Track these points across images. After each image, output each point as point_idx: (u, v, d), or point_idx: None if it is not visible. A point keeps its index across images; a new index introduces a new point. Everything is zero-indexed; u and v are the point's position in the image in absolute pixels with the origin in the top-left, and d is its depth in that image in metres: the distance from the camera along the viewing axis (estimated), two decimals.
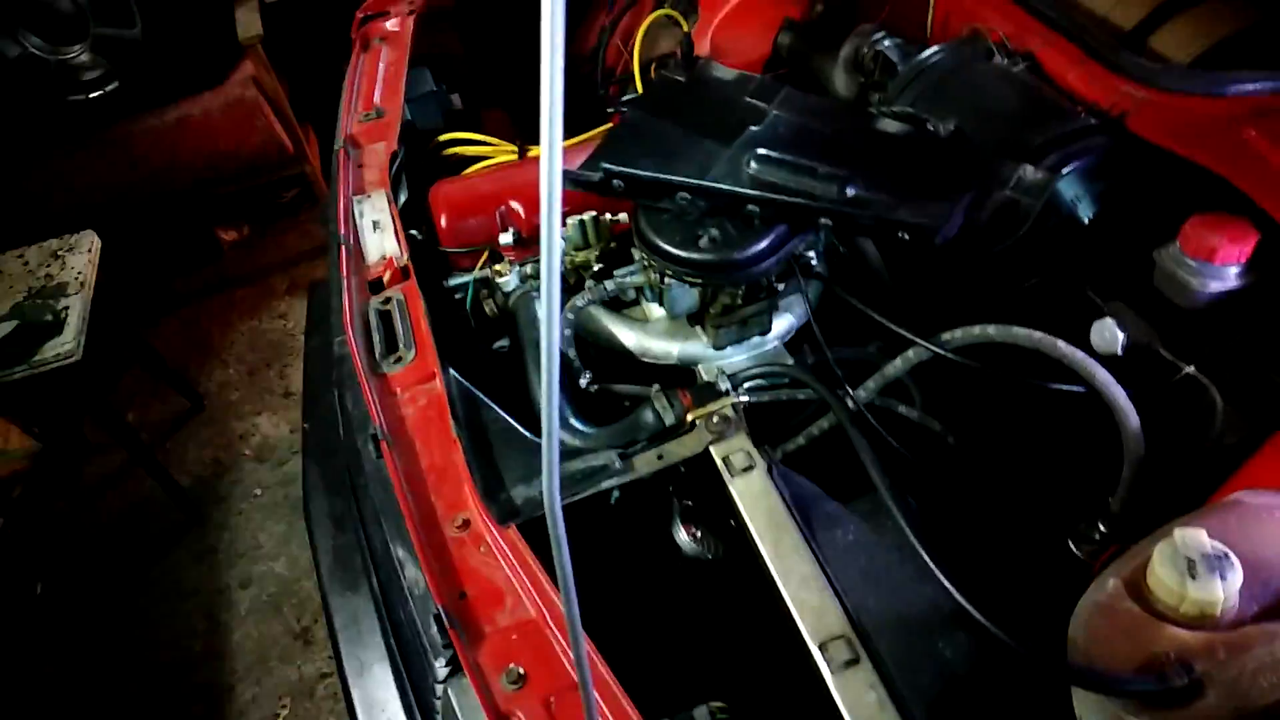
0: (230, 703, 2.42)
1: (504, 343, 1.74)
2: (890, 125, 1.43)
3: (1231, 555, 0.92)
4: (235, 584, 2.70)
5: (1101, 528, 1.29)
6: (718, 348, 1.53)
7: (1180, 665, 0.87)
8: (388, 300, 1.54)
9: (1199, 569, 0.91)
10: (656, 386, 1.38)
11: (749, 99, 1.48)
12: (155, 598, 2.70)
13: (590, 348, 1.61)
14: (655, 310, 1.61)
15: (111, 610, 2.69)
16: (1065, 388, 1.24)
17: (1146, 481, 1.24)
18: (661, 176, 1.36)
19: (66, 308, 2.44)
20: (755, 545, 1.16)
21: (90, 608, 2.71)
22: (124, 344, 2.97)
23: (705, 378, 1.47)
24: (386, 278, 1.59)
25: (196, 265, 3.86)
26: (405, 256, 1.60)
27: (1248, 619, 0.92)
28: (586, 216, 1.59)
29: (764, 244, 1.35)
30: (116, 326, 2.79)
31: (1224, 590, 0.90)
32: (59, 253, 2.64)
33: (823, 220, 1.31)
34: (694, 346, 1.55)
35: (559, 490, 0.67)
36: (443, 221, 1.72)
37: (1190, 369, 1.24)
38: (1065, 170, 1.35)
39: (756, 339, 1.54)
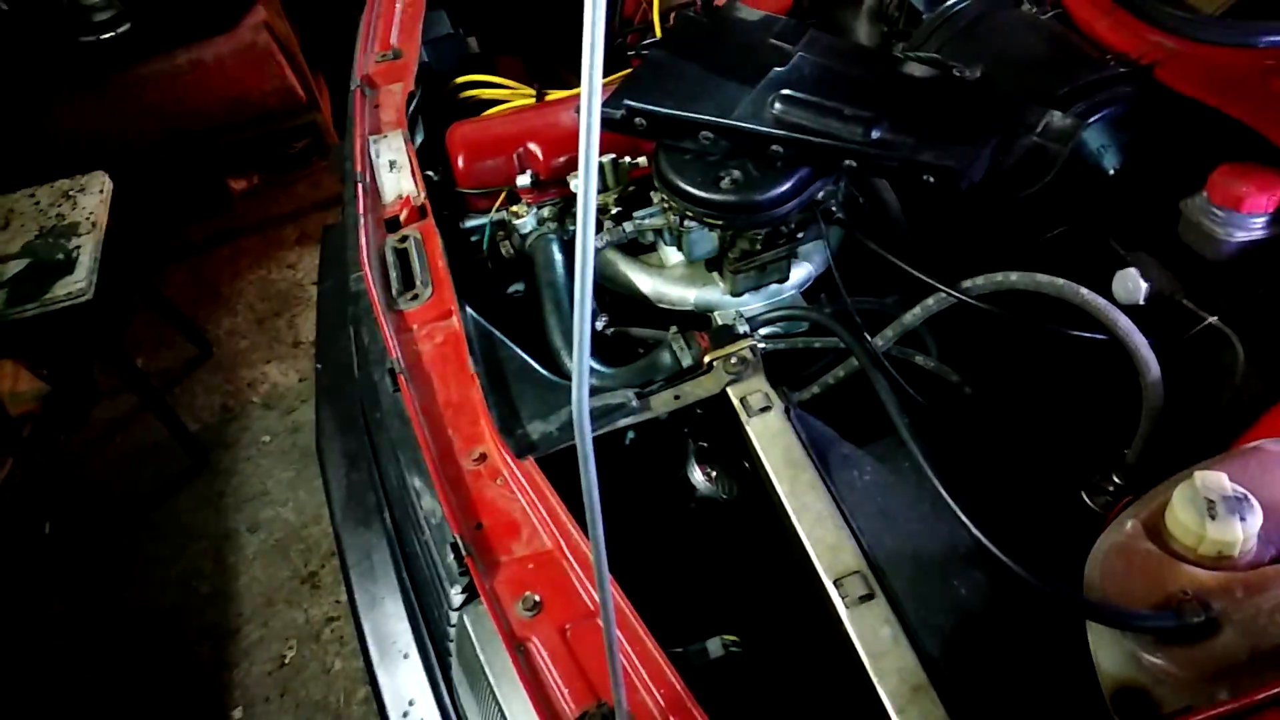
0: (236, 644, 2.44)
1: (519, 287, 1.73)
2: (916, 69, 1.41)
3: (1251, 498, 0.92)
4: (243, 528, 2.71)
5: (1116, 479, 1.29)
6: (735, 294, 1.52)
7: (1197, 603, 0.88)
8: (404, 238, 1.53)
9: (1219, 510, 0.91)
10: (674, 328, 1.38)
11: (774, 40, 1.46)
12: (162, 540, 2.72)
13: (606, 293, 1.61)
14: (672, 256, 1.61)
15: (119, 551, 2.71)
16: (1086, 335, 1.24)
17: (1163, 433, 1.24)
18: (684, 114, 1.35)
19: (78, 247, 2.43)
20: (771, 483, 1.16)
21: (98, 548, 2.73)
22: (134, 287, 2.96)
23: (722, 322, 1.46)
24: (403, 216, 1.58)
25: (206, 213, 3.84)
26: (422, 195, 1.59)
27: (1265, 561, 0.93)
28: (605, 159, 1.58)
29: (786, 186, 1.34)
30: (127, 270, 2.78)
31: (1243, 531, 0.90)
32: (70, 193, 2.63)
33: (847, 162, 1.30)
34: (711, 293, 1.55)
35: (588, 408, 0.66)
36: (460, 162, 1.70)
37: (1213, 319, 1.23)
38: (1092, 118, 1.34)
39: (774, 286, 1.54)
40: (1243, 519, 0.90)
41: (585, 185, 0.58)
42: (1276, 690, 0.78)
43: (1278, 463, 1.01)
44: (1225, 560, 0.91)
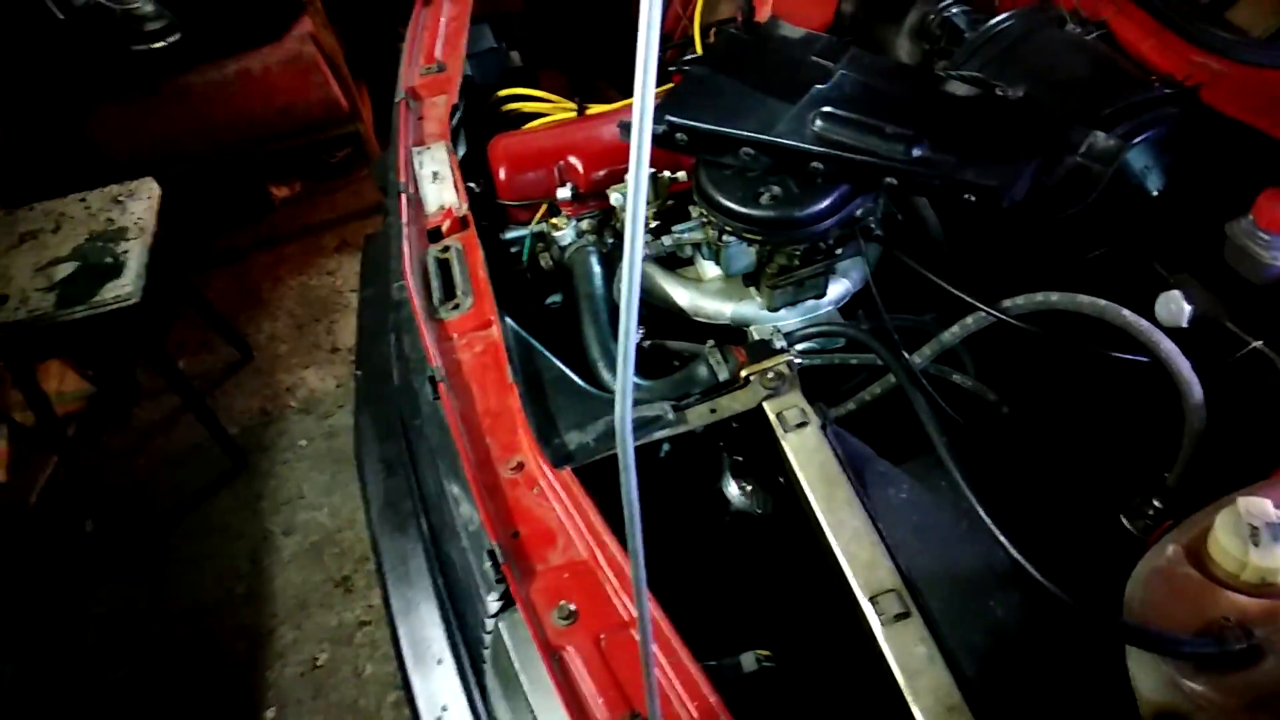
0: (271, 645, 2.47)
1: (557, 298, 1.75)
2: (959, 88, 1.41)
3: None
4: (279, 530, 2.75)
5: (1156, 503, 1.28)
6: (772, 309, 1.53)
7: (1240, 630, 0.87)
8: (446, 249, 1.56)
9: (1262, 536, 0.91)
10: (711, 342, 1.38)
11: (815, 58, 1.47)
12: (201, 540, 2.76)
13: (643, 306, 1.62)
14: (710, 270, 1.61)
15: (158, 550, 2.76)
16: (1128, 357, 1.23)
17: (1205, 458, 1.23)
18: (725, 130, 1.36)
19: (126, 251, 2.48)
20: (807, 499, 1.16)
21: (138, 547, 2.78)
22: (178, 291, 3.02)
23: (759, 336, 1.47)
24: (445, 227, 1.61)
25: (249, 220, 3.91)
26: (464, 207, 1.62)
27: None
28: None
29: (826, 203, 1.35)
30: (172, 274, 2.84)
31: None
32: (120, 198, 2.69)
33: (887, 180, 1.30)
34: (747, 307, 1.56)
35: (630, 413, 0.67)
36: (501, 174, 1.73)
37: (1258, 344, 1.22)
38: (1137, 139, 1.33)
39: (811, 302, 1.54)
40: None
41: (635, 196, 0.59)
42: None
43: None
44: (1268, 587, 0.90)
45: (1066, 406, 1.44)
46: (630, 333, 0.64)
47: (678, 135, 1.40)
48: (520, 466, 1.24)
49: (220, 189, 3.88)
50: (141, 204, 2.67)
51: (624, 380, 0.65)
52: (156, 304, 2.52)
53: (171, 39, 3.28)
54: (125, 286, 2.39)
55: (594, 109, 1.91)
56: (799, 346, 1.46)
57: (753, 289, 1.55)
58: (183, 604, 2.60)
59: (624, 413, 0.67)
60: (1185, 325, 1.26)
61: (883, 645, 1.01)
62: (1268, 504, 0.93)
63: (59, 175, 3.01)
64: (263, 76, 3.41)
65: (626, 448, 0.69)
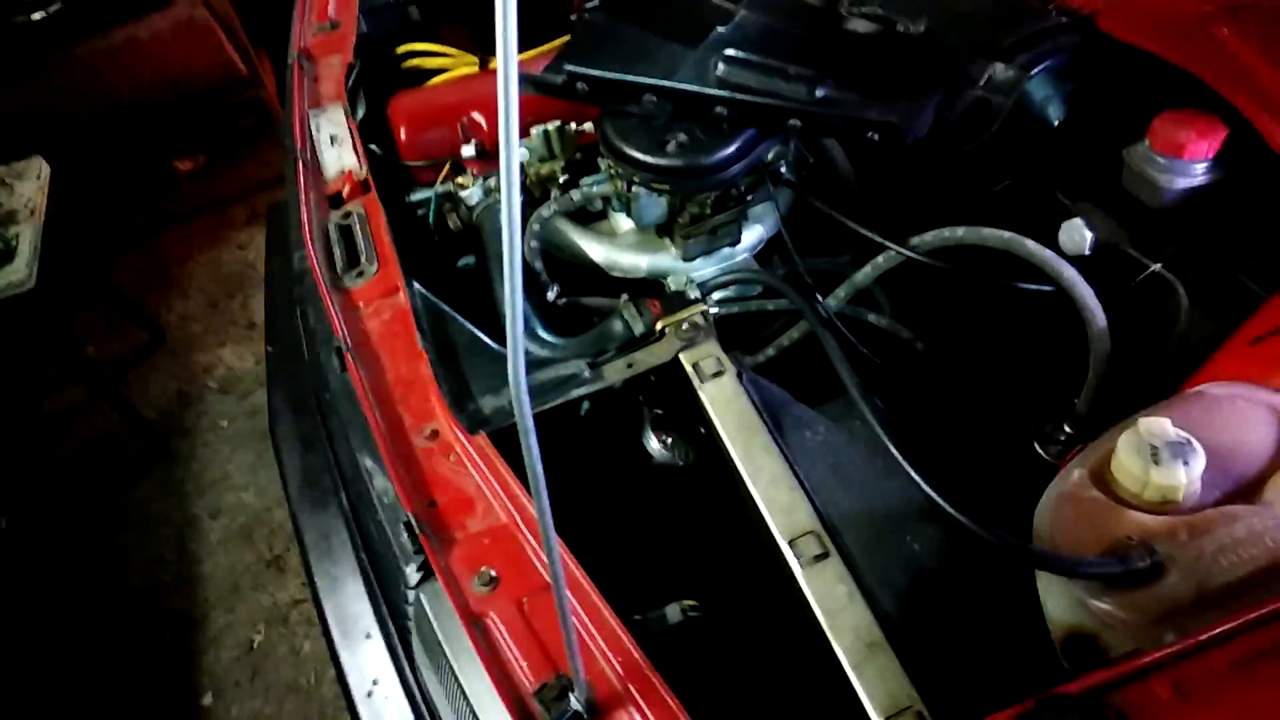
0: (204, 630, 2.42)
1: (469, 260, 1.70)
2: (861, 25, 1.40)
3: (1194, 442, 0.94)
4: (205, 514, 2.68)
5: (1067, 429, 1.31)
6: (687, 259, 1.51)
7: (1143, 547, 0.89)
8: (348, 214, 1.50)
9: (1162, 455, 0.93)
10: (625, 296, 1.36)
11: (716, 0, 1.44)
12: (123, 529, 2.68)
13: (557, 262, 1.59)
14: (623, 223, 1.59)
15: (79, 542, 2.66)
16: (1033, 287, 1.24)
17: (1111, 382, 1.26)
18: (627, 78, 1.33)
19: (16, 235, 2.36)
20: (725, 448, 1.16)
21: (57, 540, 2.68)
22: (79, 275, 2.89)
23: (674, 288, 1.45)
24: (346, 192, 1.55)
25: (153, 197, 3.75)
26: (365, 170, 1.56)
27: (1208, 504, 0.94)
28: (551, 126, 1.56)
29: (733, 148, 1.33)
30: (71, 257, 2.71)
31: (1186, 475, 0.91)
32: (6, 180, 2.55)
33: (792, 122, 1.28)
34: (663, 259, 1.54)
35: (525, 376, 0.65)
36: (402, 134, 1.67)
37: (1157, 267, 1.24)
38: (1036, 69, 1.33)
39: (726, 250, 1.53)
40: (1186, 463, 0.92)
41: (508, 161, 0.56)
42: (1220, 630, 0.80)
43: (1220, 406, 1.02)
44: (1170, 505, 0.93)
45: (979, 339, 1.45)
46: (517, 304, 0.61)
47: (579, 85, 1.36)
48: (435, 434, 1.21)
49: (119, 165, 3.70)
50: (30, 184, 2.53)
51: (515, 341, 0.63)
52: (55, 289, 2.41)
53: (52, 8, 3.10)
54: (18, 273, 2.27)
55: (496, 62, 1.85)
56: (715, 295, 1.45)
57: (667, 240, 1.53)
58: (108, 596, 2.52)
59: (518, 378, 0.65)
60: (1088, 253, 1.28)
61: (803, 586, 1.02)
62: (1167, 423, 0.95)
63: None
64: (153, 44, 3.25)
65: (525, 416, 0.67)
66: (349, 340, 1.30)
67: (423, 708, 1.18)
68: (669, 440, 1.33)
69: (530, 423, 0.68)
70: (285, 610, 2.42)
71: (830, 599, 1.00)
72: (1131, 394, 1.21)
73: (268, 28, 3.66)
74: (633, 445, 1.35)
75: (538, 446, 0.69)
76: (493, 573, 1.05)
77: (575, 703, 0.90)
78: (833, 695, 0.96)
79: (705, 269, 1.51)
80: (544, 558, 1.06)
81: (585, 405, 1.32)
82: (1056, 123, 1.39)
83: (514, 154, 0.57)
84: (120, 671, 2.37)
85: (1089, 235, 1.28)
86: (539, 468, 0.71)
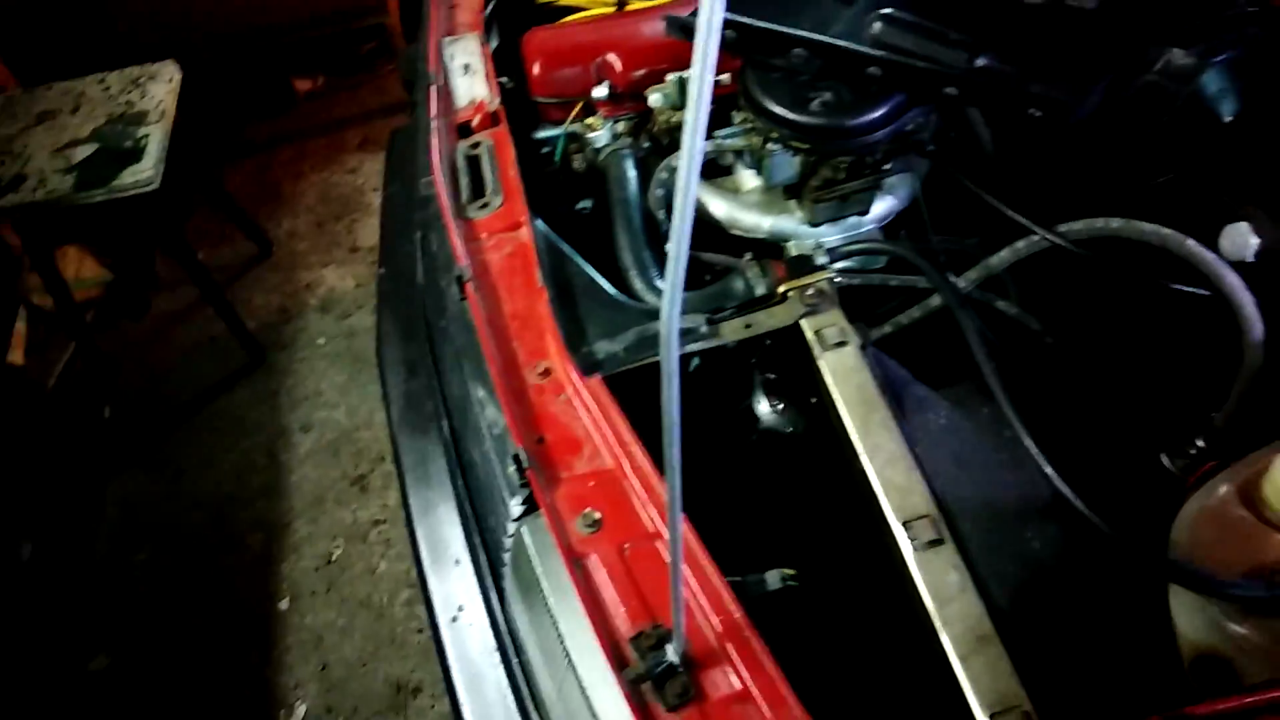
0: (287, 538, 2.50)
1: (587, 203, 1.69)
2: None
3: None
4: (296, 427, 2.76)
5: (1200, 442, 1.24)
6: (813, 224, 1.47)
7: None
8: (476, 145, 1.50)
9: None
10: (749, 255, 1.33)
11: None
12: (218, 433, 2.78)
13: None
14: (749, 180, 1.55)
15: (175, 439, 2.77)
16: (1190, 290, 1.17)
17: (1256, 398, 1.18)
18: (778, 28, 1.28)
19: (146, 136, 2.43)
20: (841, 420, 1.13)
21: (155, 435, 2.79)
22: (198, 181, 2.98)
23: (798, 252, 1.41)
24: (475, 122, 1.55)
25: (271, 113, 3.83)
26: (496, 101, 1.55)
27: None
28: (687, 74, 1.52)
29: (880, 112, 1.28)
30: (192, 163, 2.78)
31: None
32: (140, 81, 2.62)
33: (948, 89, 1.23)
34: (787, 221, 1.50)
35: (679, 319, 0.63)
36: (535, 69, 1.65)
37: None
38: (1216, 59, 1.24)
39: (854, 219, 1.48)
40: None
41: (699, 89, 0.54)
42: None
43: None
44: None
45: (1112, 338, 1.38)
46: (684, 236, 0.59)
47: (727, 31, 1.32)
48: (548, 372, 1.21)
49: (242, 79, 3.78)
50: (162, 87, 2.60)
51: (674, 280, 0.61)
52: (176, 192, 2.48)
53: None
54: (145, 172, 2.34)
55: (634, 4, 1.82)
56: (839, 265, 1.41)
57: (793, 202, 1.49)
58: (199, 495, 2.63)
59: (671, 316, 0.63)
60: (1251, 259, 1.20)
61: (914, 571, 0.99)
62: None
63: (77, 54, 2.93)
64: None
65: (671, 354, 0.65)
66: (470, 269, 1.30)
67: (508, 639, 1.20)
68: (779, 406, 1.30)
69: (675, 364, 0.66)
70: (365, 529, 2.48)
71: (942, 587, 0.97)
72: (1271, 415, 1.14)
73: None
74: (741, 408, 1.33)
75: (679, 389, 0.68)
76: (597, 515, 1.04)
77: (672, 654, 0.89)
78: (934, 686, 0.94)
79: (830, 236, 1.46)
80: (649, 506, 1.05)
81: (695, 362, 1.30)
82: (1229, 118, 1.30)
83: (707, 90, 0.55)
84: (203, 569, 2.47)
85: (1254, 241, 1.20)
86: (676, 411, 0.69)
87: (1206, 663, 0.85)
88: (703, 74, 0.54)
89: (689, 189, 0.58)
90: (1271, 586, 0.83)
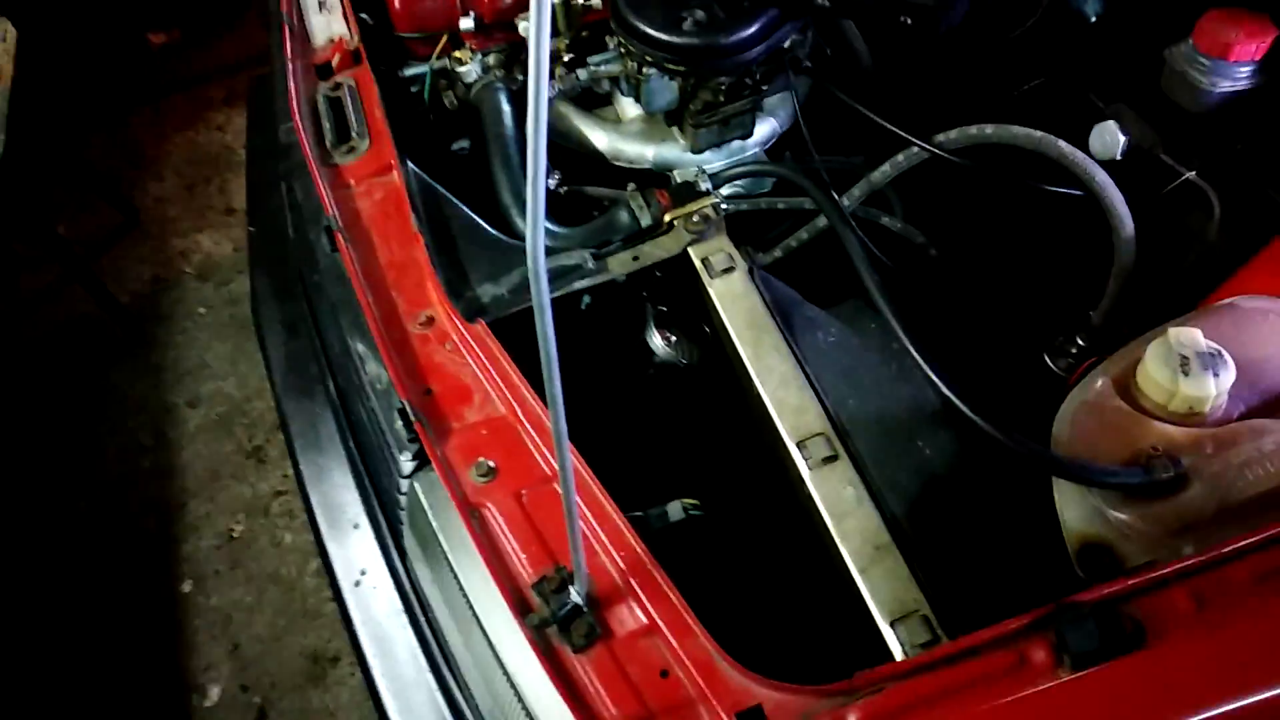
0: (183, 518, 2.39)
1: (464, 144, 1.62)
2: None
3: (1225, 354, 0.90)
4: (182, 402, 2.62)
5: (1080, 341, 1.27)
6: (696, 150, 1.44)
7: (1166, 459, 0.86)
8: (337, 86, 1.42)
9: (1192, 366, 0.89)
10: (632, 186, 1.30)
11: None
12: (99, 415, 2.62)
13: (558, 149, 1.51)
14: (630, 109, 1.51)
15: (53, 424, 2.61)
16: (1062, 191, 1.19)
17: (1130, 295, 1.22)
18: None
19: None
20: (734, 346, 1.12)
21: (31, 419, 2.62)
22: (50, 149, 2.76)
23: (682, 179, 1.38)
24: (335, 62, 1.46)
25: (125, 72, 3.56)
26: (356, 39, 1.46)
27: (1234, 417, 0.92)
28: (556, 0, 1.45)
29: (754, 28, 1.25)
30: (41, 130, 2.58)
31: (1215, 387, 0.88)
32: None
33: (820, 1, 1.20)
34: (670, 149, 1.47)
35: (544, 256, 0.60)
36: (396, 3, 1.56)
37: (1191, 174, 1.19)
38: None
39: (737, 143, 1.46)
40: (1216, 375, 0.89)
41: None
42: (1242, 543, 0.78)
43: (1250, 320, 0.99)
44: (1196, 417, 0.90)
45: (994, 245, 1.41)
46: (539, 174, 0.56)
47: None
48: (430, 321, 1.16)
49: (89, 36, 3.50)
50: None
51: (535, 218, 0.58)
52: (25, 161, 2.29)
53: None
54: None
55: None
56: (725, 189, 1.39)
57: (675, 129, 1.46)
58: (84, 480, 2.48)
59: (536, 252, 0.60)
60: (1119, 157, 1.23)
61: (810, 488, 0.99)
62: (1198, 334, 0.91)
63: None
64: None
65: (541, 293, 0.62)
66: (339, 218, 1.23)
67: (413, 598, 1.17)
68: (673, 338, 1.28)
69: (547, 301, 0.63)
70: (266, 501, 2.39)
71: (838, 501, 0.98)
72: (1147, 310, 1.17)
73: None
74: (635, 342, 1.31)
75: (553, 329, 0.65)
76: (491, 464, 1.01)
77: (575, 595, 0.88)
78: (838, 598, 0.94)
79: (715, 161, 1.44)
80: (544, 450, 1.02)
81: (586, 299, 1.27)
82: (1094, 19, 1.32)
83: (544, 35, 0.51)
84: (98, 557, 2.34)
85: (1122, 139, 1.22)
86: (553, 351, 0.66)
87: (1092, 551, 0.88)
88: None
89: (539, 123, 0.54)
90: (1148, 471, 0.86)
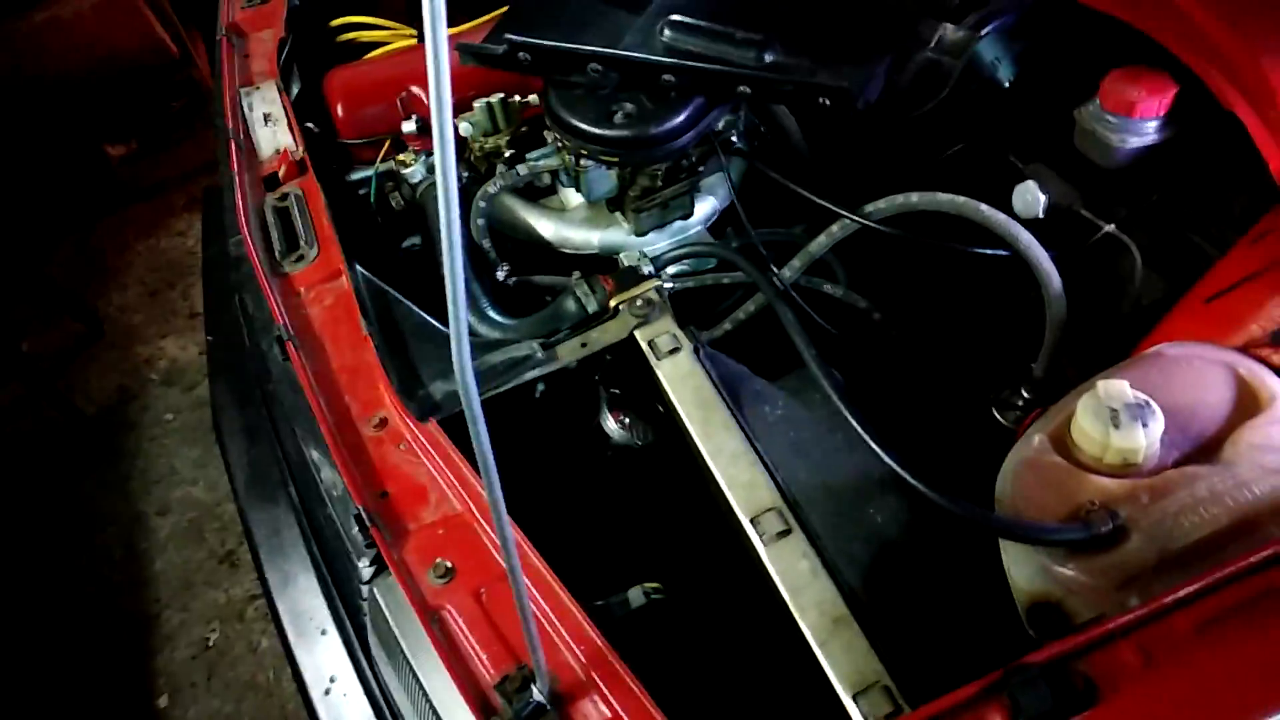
0: (157, 630, 2.35)
1: (415, 240, 1.65)
2: None
3: (1153, 403, 0.93)
4: (152, 511, 2.60)
5: (1025, 393, 1.30)
6: (639, 233, 1.48)
7: (1105, 512, 0.88)
8: (285, 196, 1.45)
9: (1121, 418, 0.92)
10: (577, 274, 1.33)
11: None
12: (68, 530, 2.59)
13: (507, 240, 1.55)
14: (573, 198, 1.55)
15: (21, 543, 2.57)
16: (988, 252, 1.23)
17: (1068, 345, 1.25)
18: (569, 46, 1.28)
19: None
20: (684, 425, 1.13)
21: None
22: (11, 268, 2.78)
23: (627, 264, 1.42)
24: (282, 173, 1.49)
25: (85, 184, 3.60)
26: (301, 149, 1.50)
27: (1169, 465, 0.94)
28: (494, 99, 1.50)
29: (682, 117, 1.29)
30: (2, 247, 2.60)
31: (1146, 437, 0.91)
32: None
33: (741, 88, 1.25)
34: (615, 234, 1.50)
35: (471, 362, 0.62)
36: (339, 110, 1.61)
37: (1110, 228, 1.23)
38: (986, 29, 1.31)
39: (679, 223, 1.49)
40: (1145, 425, 0.91)
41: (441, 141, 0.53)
42: (1183, 593, 0.79)
43: (1177, 366, 1.02)
44: (1130, 467, 0.92)
45: (936, 307, 1.44)
46: (459, 283, 0.58)
47: (520, 55, 1.32)
48: (384, 423, 1.17)
49: (48, 151, 3.54)
50: None
51: (458, 323, 0.60)
52: None
53: None
54: None
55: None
56: (669, 270, 1.42)
57: (618, 214, 1.50)
58: (57, 599, 2.44)
59: (463, 362, 0.62)
60: (1041, 215, 1.27)
61: (766, 564, 1.00)
62: (1125, 385, 0.94)
63: None
64: (77, 24, 3.11)
65: (473, 402, 0.64)
66: (290, 328, 1.25)
67: (382, 704, 1.15)
68: (627, 420, 1.30)
69: (478, 407, 0.65)
70: (240, 606, 2.36)
71: (794, 576, 0.98)
72: (1088, 357, 1.20)
73: (199, 6, 3.53)
74: (590, 427, 1.32)
75: (486, 432, 0.66)
76: (448, 564, 1.01)
77: (538, 694, 0.88)
78: (802, 672, 0.95)
79: (658, 243, 1.47)
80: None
81: (540, 388, 1.29)
82: (1007, 84, 1.38)
83: (448, 127, 0.54)
84: (73, 675, 2.29)
85: (1042, 198, 1.27)
86: (489, 454, 0.68)
87: (1040, 609, 0.89)
88: (440, 91, 0.53)
89: (452, 230, 0.57)
90: (1088, 526, 0.87)
